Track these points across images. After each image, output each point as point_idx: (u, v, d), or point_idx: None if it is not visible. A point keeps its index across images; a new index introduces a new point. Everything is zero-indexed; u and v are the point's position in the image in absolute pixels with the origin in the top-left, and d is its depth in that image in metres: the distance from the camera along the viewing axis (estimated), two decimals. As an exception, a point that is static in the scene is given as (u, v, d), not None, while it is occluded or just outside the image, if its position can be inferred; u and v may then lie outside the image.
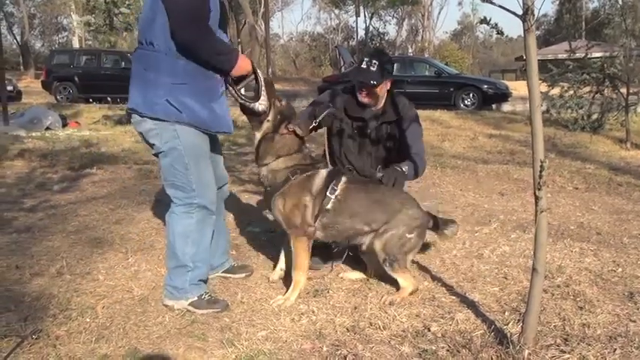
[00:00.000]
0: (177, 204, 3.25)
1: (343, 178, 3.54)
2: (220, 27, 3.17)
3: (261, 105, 3.32)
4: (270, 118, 3.41)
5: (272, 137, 3.44)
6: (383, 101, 4.09)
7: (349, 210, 3.49)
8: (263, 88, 3.30)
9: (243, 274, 3.80)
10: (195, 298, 3.25)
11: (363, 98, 4.02)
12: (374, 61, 3.93)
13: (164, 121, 3.06)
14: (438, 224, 3.69)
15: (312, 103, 4.19)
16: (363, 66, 3.96)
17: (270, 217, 3.63)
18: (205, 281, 3.40)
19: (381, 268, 3.51)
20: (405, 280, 3.43)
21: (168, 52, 3.01)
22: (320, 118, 3.73)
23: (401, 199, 3.62)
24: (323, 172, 3.53)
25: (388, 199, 3.58)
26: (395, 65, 19.20)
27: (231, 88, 3.27)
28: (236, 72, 3.19)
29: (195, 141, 3.14)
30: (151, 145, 3.21)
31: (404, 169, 3.77)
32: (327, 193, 3.46)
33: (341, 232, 3.53)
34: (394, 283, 3.49)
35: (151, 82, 3.06)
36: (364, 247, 3.57)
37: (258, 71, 3.29)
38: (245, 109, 3.40)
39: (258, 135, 3.47)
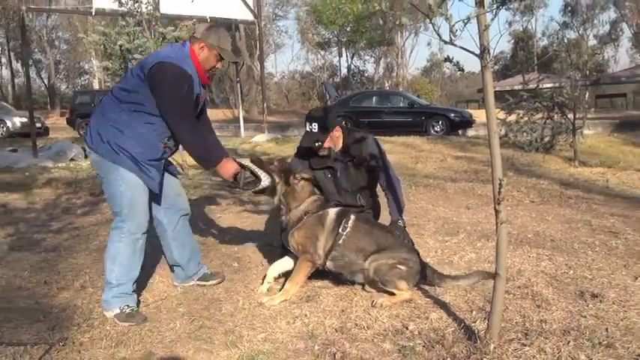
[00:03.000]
0: (112, 227, 3.29)
1: (352, 216, 3.57)
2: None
3: (266, 181, 3.43)
4: (277, 180, 3.50)
5: (291, 189, 3.54)
6: (340, 143, 3.99)
7: (355, 246, 3.50)
8: (257, 170, 3.41)
9: (216, 281, 3.79)
10: (118, 311, 3.18)
11: (322, 152, 3.94)
12: (314, 124, 3.85)
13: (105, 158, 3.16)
14: (428, 276, 3.56)
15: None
16: (308, 129, 3.88)
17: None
18: (130, 295, 3.30)
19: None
20: (400, 290, 3.38)
21: (128, 111, 3.14)
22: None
23: (401, 244, 3.62)
24: (333, 213, 3.56)
25: (390, 242, 3.58)
26: (373, 98, 19.60)
27: (238, 190, 3.41)
28: (227, 176, 3.32)
29: (133, 173, 3.19)
30: (98, 175, 3.30)
31: (403, 221, 3.89)
32: (340, 231, 3.49)
33: (347, 264, 3.52)
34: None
35: (103, 125, 3.18)
36: (363, 279, 3.54)
37: (243, 162, 3.39)
38: (258, 193, 3.56)
39: (276, 199, 3.57)
